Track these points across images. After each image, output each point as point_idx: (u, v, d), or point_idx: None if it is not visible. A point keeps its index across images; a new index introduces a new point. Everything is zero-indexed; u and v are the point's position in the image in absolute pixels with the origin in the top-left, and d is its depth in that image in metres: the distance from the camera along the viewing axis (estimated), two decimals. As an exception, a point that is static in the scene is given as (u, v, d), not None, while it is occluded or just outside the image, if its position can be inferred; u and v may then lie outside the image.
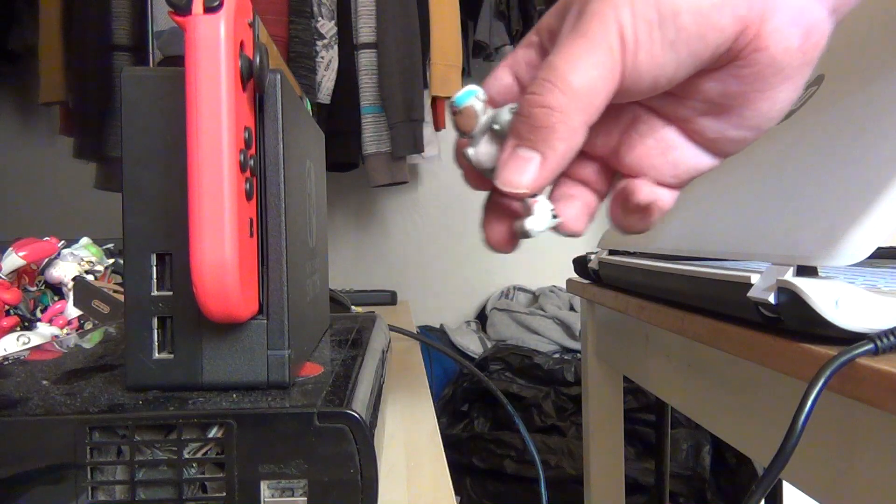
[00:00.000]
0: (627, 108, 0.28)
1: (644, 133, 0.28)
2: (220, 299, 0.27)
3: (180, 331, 0.31)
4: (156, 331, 0.31)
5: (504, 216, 0.29)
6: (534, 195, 0.26)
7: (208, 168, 0.26)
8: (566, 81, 0.24)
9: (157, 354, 0.31)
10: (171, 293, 0.31)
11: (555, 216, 0.27)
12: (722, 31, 0.24)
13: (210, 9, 0.26)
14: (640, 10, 0.23)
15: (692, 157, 0.28)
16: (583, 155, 0.29)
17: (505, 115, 0.26)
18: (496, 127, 0.26)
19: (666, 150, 0.28)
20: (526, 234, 0.27)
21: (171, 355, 0.31)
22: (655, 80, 0.25)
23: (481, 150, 0.27)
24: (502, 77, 0.29)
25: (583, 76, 0.24)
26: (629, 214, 0.29)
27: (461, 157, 0.28)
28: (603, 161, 0.29)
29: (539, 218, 0.26)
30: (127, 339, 0.31)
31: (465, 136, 0.27)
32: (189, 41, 0.26)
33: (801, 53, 0.24)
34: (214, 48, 0.26)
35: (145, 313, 0.31)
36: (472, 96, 0.27)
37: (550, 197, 0.29)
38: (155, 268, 0.31)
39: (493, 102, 0.28)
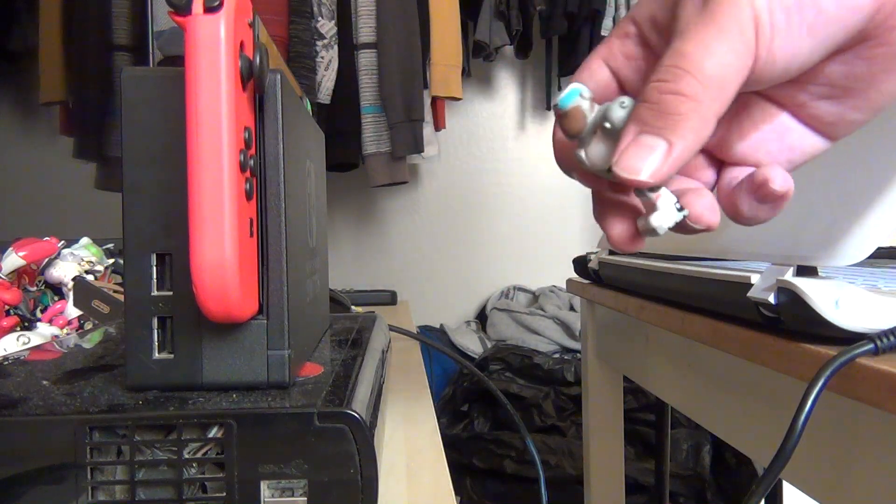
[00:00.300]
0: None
1: (758, 119, 0.27)
2: (220, 299, 0.27)
3: (180, 331, 0.31)
4: (156, 331, 0.31)
5: (623, 213, 0.27)
6: (655, 189, 0.25)
7: (208, 168, 0.26)
8: (700, 68, 0.23)
9: (157, 354, 0.31)
10: (171, 293, 0.31)
11: (680, 208, 0.25)
12: (861, 10, 0.23)
13: (210, 9, 0.26)
14: None
15: (807, 140, 0.27)
16: None
17: (616, 111, 0.25)
18: (607, 125, 0.25)
19: (782, 135, 0.27)
20: (654, 232, 0.25)
21: (171, 355, 0.31)
22: (788, 67, 0.24)
23: (593, 151, 0.25)
24: (597, 71, 0.28)
25: (716, 63, 0.23)
26: (762, 204, 0.27)
27: (570, 161, 0.26)
28: (708, 152, 0.28)
29: (665, 213, 0.25)
30: (127, 339, 0.31)
31: (574, 138, 0.26)
32: (189, 41, 0.26)
33: None
34: (214, 48, 0.26)
35: (145, 313, 0.31)
36: (576, 95, 0.25)
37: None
38: (155, 268, 0.31)
39: (596, 99, 0.26)
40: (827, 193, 0.36)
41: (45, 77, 1.74)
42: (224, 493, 0.28)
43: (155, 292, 0.31)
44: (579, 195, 2.36)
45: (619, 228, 0.27)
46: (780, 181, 0.26)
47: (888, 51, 0.24)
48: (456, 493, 0.45)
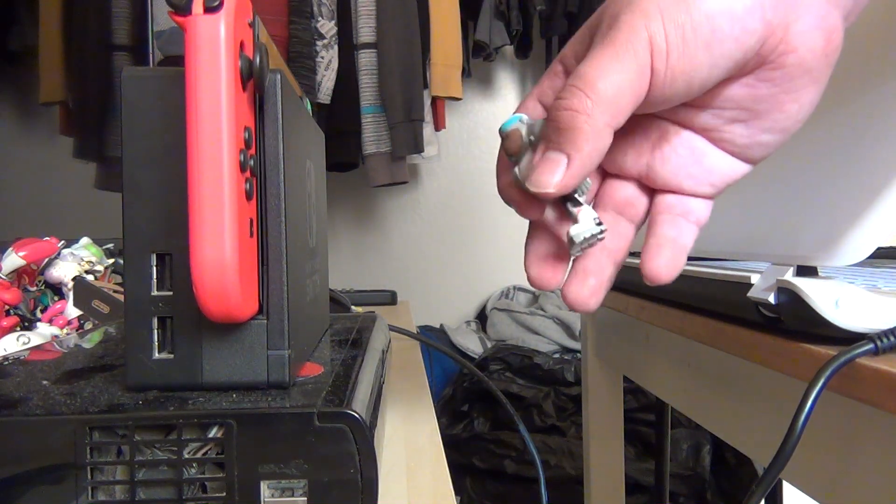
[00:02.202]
0: (655, 124, 0.29)
1: (676, 144, 0.29)
2: (220, 299, 0.27)
3: (180, 331, 0.31)
4: (156, 331, 0.31)
5: (547, 244, 0.30)
6: (577, 204, 0.28)
7: (208, 168, 0.26)
8: (592, 86, 0.25)
9: (157, 354, 0.31)
10: (171, 293, 0.31)
11: (599, 223, 0.28)
12: (753, 33, 0.25)
13: (210, 9, 0.26)
14: (672, 16, 0.25)
15: (725, 164, 0.29)
16: (617, 178, 0.30)
17: (538, 126, 0.28)
18: (532, 139, 0.28)
19: (700, 159, 0.29)
20: (573, 242, 0.28)
21: (171, 355, 0.31)
22: (689, 83, 0.26)
23: (523, 167, 0.28)
24: (532, 108, 0.30)
25: (608, 81, 0.25)
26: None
27: (509, 188, 0.29)
28: (638, 181, 0.30)
29: (584, 225, 0.27)
30: (127, 339, 0.31)
31: (512, 158, 0.29)
32: (189, 41, 0.26)
33: (825, 56, 0.26)
34: (214, 48, 0.26)
35: (145, 313, 0.31)
36: (517, 120, 0.29)
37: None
38: (155, 268, 0.31)
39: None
40: (827, 193, 0.36)
41: (45, 77, 1.73)
42: (224, 493, 0.28)
43: (155, 292, 0.31)
44: (579, 195, 2.35)
45: (539, 263, 0.30)
46: (656, 272, 0.28)
47: (785, 73, 0.26)
48: (456, 493, 0.45)
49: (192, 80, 0.26)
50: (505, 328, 1.95)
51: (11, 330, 0.62)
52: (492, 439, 1.54)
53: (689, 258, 0.31)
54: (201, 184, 0.26)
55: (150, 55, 1.50)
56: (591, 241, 0.28)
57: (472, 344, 1.95)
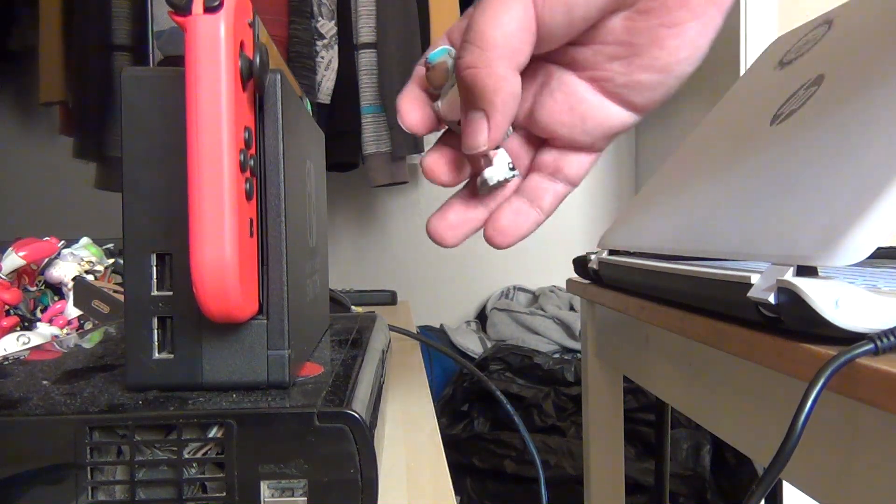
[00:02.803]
0: (542, 68, 0.30)
1: (554, 88, 0.29)
2: (220, 299, 0.27)
3: (180, 331, 0.31)
4: (156, 331, 0.31)
5: (454, 151, 0.31)
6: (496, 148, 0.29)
7: (208, 168, 0.26)
8: (483, 37, 0.26)
9: (157, 354, 0.31)
10: (171, 293, 0.31)
11: (512, 168, 0.29)
12: None
13: (210, 9, 0.26)
14: None
15: (601, 110, 0.29)
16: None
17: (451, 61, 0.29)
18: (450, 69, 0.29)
19: (574, 104, 0.29)
20: (485, 184, 0.29)
21: (171, 355, 0.31)
22: (570, 13, 0.26)
23: (446, 103, 0.29)
24: (456, 41, 0.31)
25: (498, 27, 0.26)
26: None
27: (411, 109, 0.30)
28: (526, 131, 0.31)
29: (498, 168, 0.29)
30: (127, 339, 0.31)
31: (438, 90, 0.29)
32: (189, 41, 0.26)
33: None
34: (214, 48, 0.26)
35: (145, 313, 0.31)
36: (444, 53, 0.29)
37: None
38: (155, 268, 0.31)
39: None
40: (827, 193, 0.36)
41: (45, 77, 1.74)
42: (224, 493, 0.28)
43: (155, 292, 0.31)
44: (579, 195, 2.36)
45: (443, 165, 0.31)
46: (492, 235, 0.30)
47: (662, 4, 0.26)
48: (456, 493, 0.45)
49: (192, 80, 0.26)
50: (505, 328, 1.95)
51: (11, 330, 0.62)
52: (492, 439, 1.54)
53: (689, 258, 0.31)
54: (201, 184, 0.26)
55: (150, 55, 1.50)
56: (503, 183, 0.29)
57: (472, 344, 1.95)
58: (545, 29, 0.26)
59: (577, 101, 0.29)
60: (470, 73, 0.26)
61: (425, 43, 1.74)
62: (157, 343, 0.31)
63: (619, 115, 0.29)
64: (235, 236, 0.27)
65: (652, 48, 0.27)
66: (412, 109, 0.30)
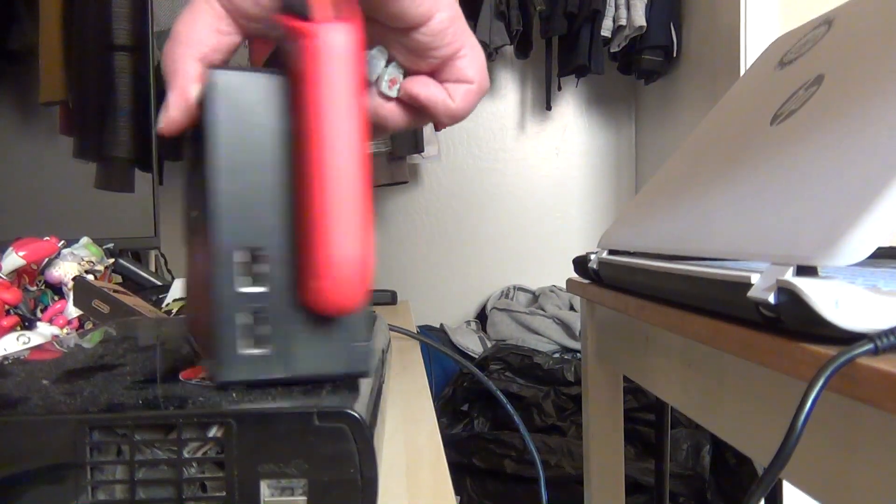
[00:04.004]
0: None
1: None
2: (352, 292, 0.29)
3: (274, 325, 0.31)
4: (246, 326, 0.31)
5: None
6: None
7: (345, 173, 0.28)
8: (174, 33, 0.31)
9: (247, 350, 0.31)
10: (264, 289, 0.31)
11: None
12: None
13: (339, 16, 0.27)
14: None
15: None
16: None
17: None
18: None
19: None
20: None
21: (265, 349, 0.31)
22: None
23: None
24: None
25: (183, 25, 0.31)
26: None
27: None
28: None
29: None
30: (216, 337, 0.31)
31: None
32: (314, 48, 0.27)
33: None
34: (348, 57, 0.28)
35: (235, 309, 0.31)
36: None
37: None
38: (242, 264, 0.31)
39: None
40: (827, 193, 0.36)
41: (45, 77, 1.74)
42: (224, 493, 0.28)
43: (245, 288, 0.31)
44: (579, 195, 2.36)
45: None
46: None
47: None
48: (456, 493, 0.45)
49: (321, 89, 0.28)
50: (505, 328, 1.95)
51: (11, 330, 0.62)
52: (492, 439, 1.54)
53: (689, 258, 0.31)
54: (339, 187, 0.28)
55: (151, 55, 1.50)
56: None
57: (472, 344, 1.95)
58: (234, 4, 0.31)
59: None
60: (164, 64, 0.31)
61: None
62: (246, 338, 0.31)
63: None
64: (369, 233, 0.29)
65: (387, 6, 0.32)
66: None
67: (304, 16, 0.28)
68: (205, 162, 0.30)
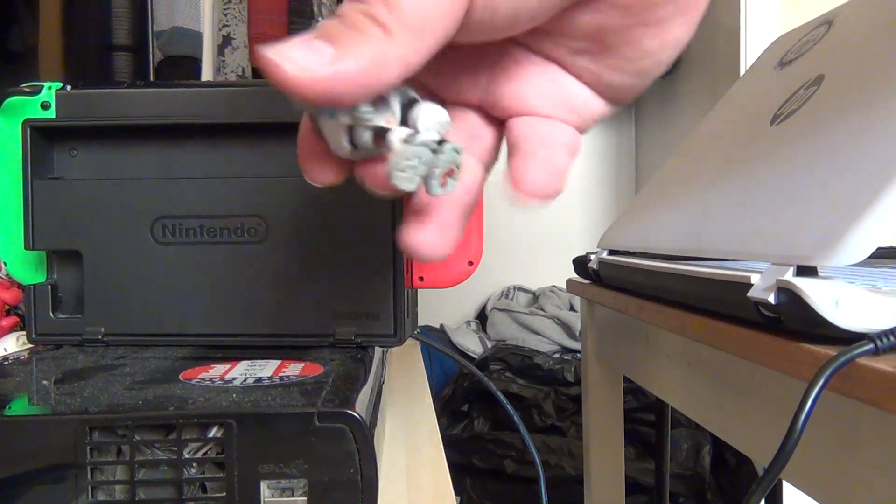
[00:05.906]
0: (492, 44, 0.24)
1: (521, 59, 0.24)
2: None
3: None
4: None
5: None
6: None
7: None
8: (396, 3, 0.20)
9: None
10: None
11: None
12: None
13: None
14: None
15: (583, 92, 0.24)
16: (456, 106, 0.25)
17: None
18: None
19: (553, 77, 0.24)
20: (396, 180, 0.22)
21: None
22: (515, 13, 0.21)
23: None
24: None
25: (415, 3, 0.19)
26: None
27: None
28: (479, 109, 0.26)
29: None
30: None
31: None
32: None
33: None
34: None
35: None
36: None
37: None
38: None
39: None
40: (827, 193, 0.36)
41: (46, 77, 1.73)
42: (224, 493, 0.28)
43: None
44: (579, 195, 2.36)
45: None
46: (532, 185, 0.23)
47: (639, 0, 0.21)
48: (456, 493, 0.45)
49: None
50: (505, 328, 1.95)
51: (11, 330, 0.62)
52: (492, 439, 1.54)
53: (689, 258, 0.31)
54: None
55: (150, 55, 1.50)
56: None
57: (472, 344, 1.95)
58: (480, 19, 0.21)
59: (555, 76, 0.24)
60: (361, 19, 0.20)
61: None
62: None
63: (599, 106, 0.25)
64: None
65: (625, 48, 0.23)
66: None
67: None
68: None
